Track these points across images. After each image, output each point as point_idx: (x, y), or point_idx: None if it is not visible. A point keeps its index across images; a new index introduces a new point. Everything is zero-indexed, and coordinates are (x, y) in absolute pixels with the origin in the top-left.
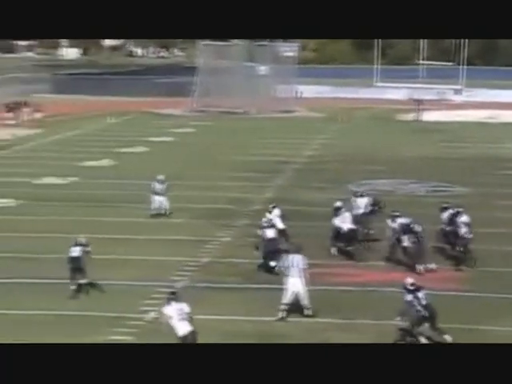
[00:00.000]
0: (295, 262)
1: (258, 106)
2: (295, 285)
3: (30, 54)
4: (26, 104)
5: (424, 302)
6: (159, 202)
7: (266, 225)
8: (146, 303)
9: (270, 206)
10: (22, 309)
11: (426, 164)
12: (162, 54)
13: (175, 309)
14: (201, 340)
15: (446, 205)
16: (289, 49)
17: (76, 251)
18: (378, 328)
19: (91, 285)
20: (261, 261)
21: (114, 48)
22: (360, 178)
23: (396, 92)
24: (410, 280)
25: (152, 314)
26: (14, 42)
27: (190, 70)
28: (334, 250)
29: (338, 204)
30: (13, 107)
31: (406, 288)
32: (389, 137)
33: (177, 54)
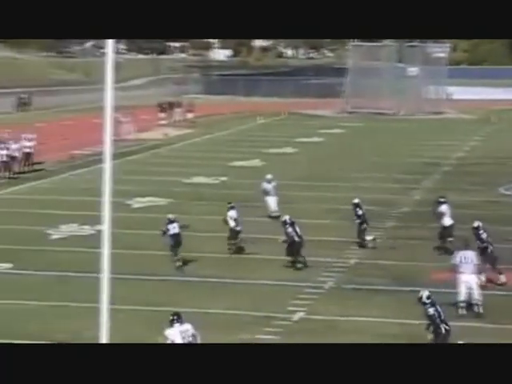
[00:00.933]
0: (467, 259)
1: (407, 107)
2: (468, 281)
3: (182, 55)
4: (178, 104)
5: (443, 317)
6: (271, 202)
7: (292, 221)
8: (293, 303)
9: (228, 205)
10: (171, 306)
11: None
12: (311, 54)
13: (179, 331)
14: (347, 341)
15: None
16: (440, 49)
17: (175, 228)
18: None
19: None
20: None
21: (264, 49)
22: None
23: None
24: (426, 293)
25: (299, 315)
26: (167, 43)
27: (340, 71)
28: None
29: (356, 201)
30: (165, 107)
31: (424, 302)
32: None
33: (327, 54)
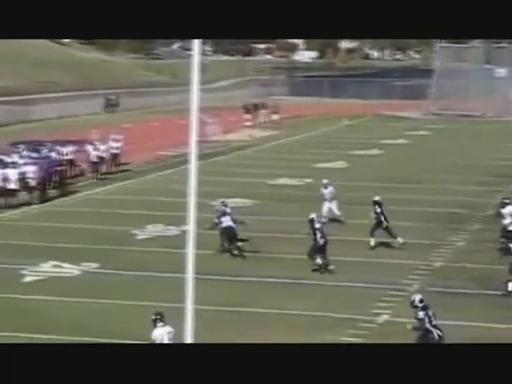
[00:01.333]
0: None
1: (495, 108)
2: None
3: (268, 56)
4: (263, 106)
5: (434, 322)
6: (328, 207)
7: (325, 220)
8: (377, 306)
9: (221, 202)
10: (254, 307)
11: None
12: (397, 56)
13: (166, 332)
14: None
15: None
16: None
17: (227, 221)
18: None
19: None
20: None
21: (350, 50)
22: None
23: None
24: (419, 296)
25: (384, 317)
26: (253, 45)
27: (426, 73)
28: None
29: (377, 198)
30: (251, 109)
31: (416, 305)
32: None
33: (413, 56)
